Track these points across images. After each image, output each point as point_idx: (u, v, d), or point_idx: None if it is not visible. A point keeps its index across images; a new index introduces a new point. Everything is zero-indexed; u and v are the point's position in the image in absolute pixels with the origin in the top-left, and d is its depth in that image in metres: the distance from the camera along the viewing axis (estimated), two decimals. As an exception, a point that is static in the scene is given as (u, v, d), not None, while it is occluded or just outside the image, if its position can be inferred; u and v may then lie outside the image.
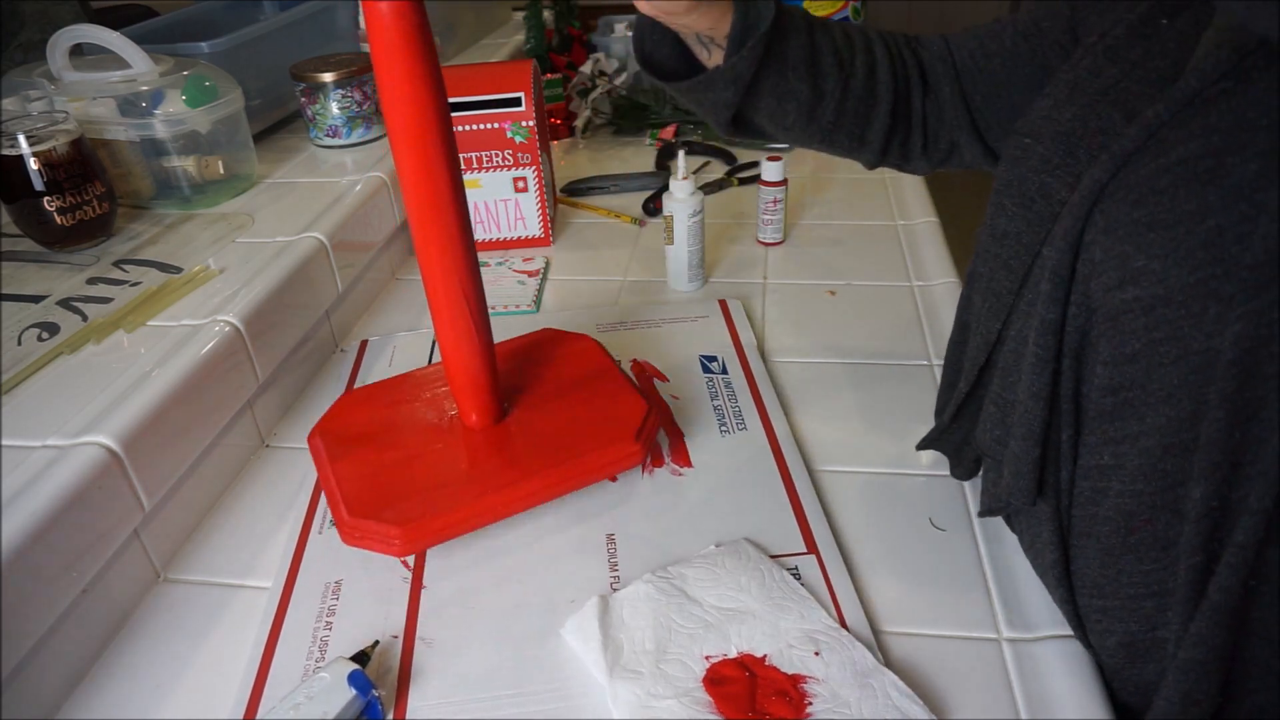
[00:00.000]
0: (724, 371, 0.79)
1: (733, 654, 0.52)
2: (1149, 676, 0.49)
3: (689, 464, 0.69)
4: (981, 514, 0.58)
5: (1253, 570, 0.41)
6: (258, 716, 0.51)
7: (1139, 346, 0.44)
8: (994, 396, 0.54)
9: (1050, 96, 0.53)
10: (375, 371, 0.83)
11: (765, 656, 0.52)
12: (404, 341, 0.88)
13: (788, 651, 0.52)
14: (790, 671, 0.51)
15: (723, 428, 0.72)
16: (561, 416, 0.65)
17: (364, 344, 0.88)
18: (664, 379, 0.79)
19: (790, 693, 0.50)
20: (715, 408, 0.75)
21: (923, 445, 0.65)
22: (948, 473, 0.67)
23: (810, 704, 0.49)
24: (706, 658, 0.52)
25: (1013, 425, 0.51)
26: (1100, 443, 0.47)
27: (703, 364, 0.80)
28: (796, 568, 0.59)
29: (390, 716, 0.51)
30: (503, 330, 0.87)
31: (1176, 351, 0.42)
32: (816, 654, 0.52)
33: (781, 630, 0.53)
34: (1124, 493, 0.46)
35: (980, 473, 0.64)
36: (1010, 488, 0.51)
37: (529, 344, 0.74)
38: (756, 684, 0.50)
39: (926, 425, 0.71)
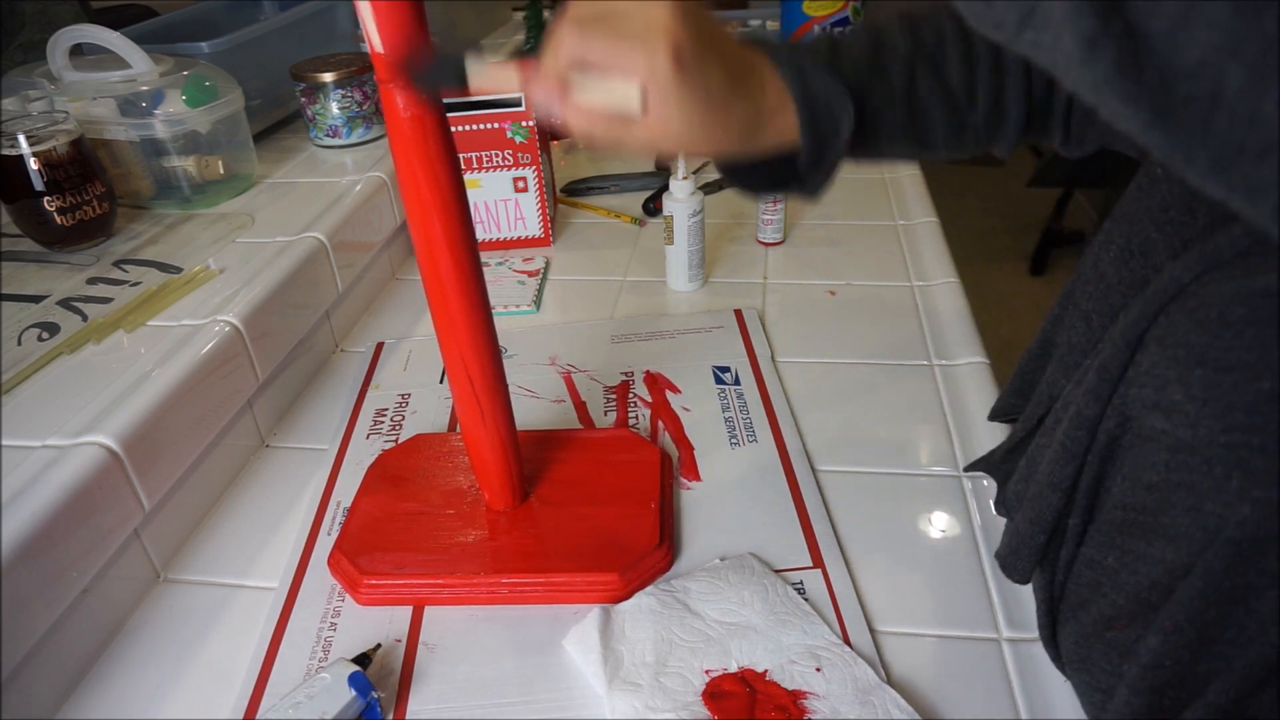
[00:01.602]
0: (737, 383, 0.79)
1: (733, 668, 0.52)
2: None
3: (697, 477, 0.68)
4: (996, 556, 0.56)
5: None
6: (258, 716, 0.51)
7: (1157, 480, 0.40)
8: (1030, 453, 0.51)
9: None
10: (389, 374, 0.83)
11: (766, 671, 0.52)
12: (418, 345, 0.88)
13: (789, 667, 0.52)
14: (791, 687, 0.51)
15: (733, 440, 0.72)
16: (576, 525, 0.62)
17: (379, 346, 0.88)
18: (676, 390, 0.78)
19: (790, 708, 0.50)
20: (726, 420, 0.74)
21: (972, 467, 0.63)
22: (948, 472, 0.67)
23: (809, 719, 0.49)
24: (706, 671, 0.52)
25: (1028, 498, 0.48)
26: (1105, 545, 0.45)
27: (715, 375, 0.80)
28: (801, 582, 0.58)
29: (389, 718, 0.52)
30: (502, 330, 0.87)
31: (1189, 502, 0.38)
32: (818, 670, 0.52)
33: (783, 645, 0.53)
34: (1111, 599, 0.44)
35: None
36: (1006, 561, 0.50)
37: (600, 440, 0.70)
38: (756, 699, 0.50)
39: (926, 425, 0.72)
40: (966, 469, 0.64)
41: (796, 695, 0.50)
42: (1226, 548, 0.36)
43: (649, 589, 0.57)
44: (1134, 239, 0.45)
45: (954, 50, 0.49)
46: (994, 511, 0.63)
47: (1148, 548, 0.41)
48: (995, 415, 0.62)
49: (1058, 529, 0.48)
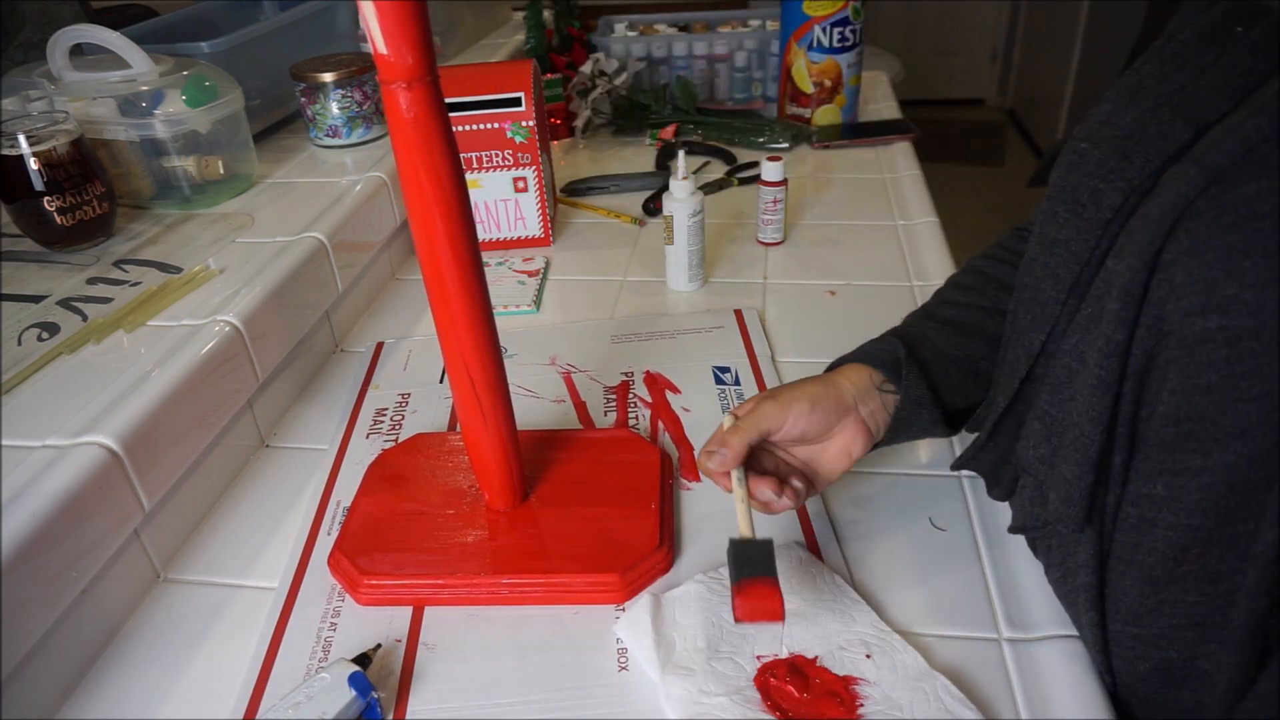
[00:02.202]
0: (737, 383, 0.79)
1: (784, 654, 0.53)
2: (1185, 704, 0.48)
3: (698, 478, 0.68)
4: (1013, 530, 0.56)
5: None
6: (258, 716, 0.51)
7: (1216, 379, 0.41)
8: (1040, 413, 0.52)
9: (1111, 101, 0.50)
10: (389, 374, 0.83)
11: (816, 658, 0.52)
12: (418, 345, 0.88)
13: (838, 654, 0.52)
14: (841, 673, 0.51)
15: None
16: (576, 525, 0.62)
17: (379, 346, 0.88)
18: (676, 390, 0.78)
19: (841, 694, 0.50)
20: None
21: (958, 465, 0.63)
22: (947, 472, 0.67)
23: (861, 705, 0.49)
24: (758, 657, 0.53)
25: (1064, 448, 0.49)
26: (1154, 472, 0.45)
27: (715, 375, 0.80)
28: None
29: (389, 718, 0.52)
30: (502, 330, 0.87)
31: (1259, 388, 0.40)
32: (868, 656, 0.52)
33: (831, 632, 0.54)
34: (1176, 525, 0.44)
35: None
36: (1058, 513, 0.49)
37: (600, 440, 0.70)
38: (808, 685, 0.51)
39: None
40: (953, 467, 0.64)
41: (848, 681, 0.51)
42: None
43: (698, 576, 0.58)
44: (1080, 196, 0.49)
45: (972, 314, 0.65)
46: (990, 498, 0.63)
47: (1204, 458, 0.42)
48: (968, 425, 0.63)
49: (1098, 477, 0.48)
